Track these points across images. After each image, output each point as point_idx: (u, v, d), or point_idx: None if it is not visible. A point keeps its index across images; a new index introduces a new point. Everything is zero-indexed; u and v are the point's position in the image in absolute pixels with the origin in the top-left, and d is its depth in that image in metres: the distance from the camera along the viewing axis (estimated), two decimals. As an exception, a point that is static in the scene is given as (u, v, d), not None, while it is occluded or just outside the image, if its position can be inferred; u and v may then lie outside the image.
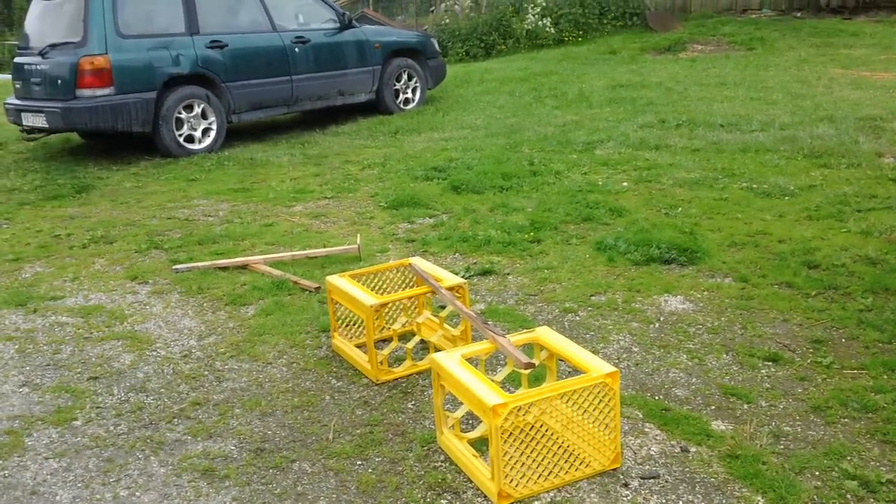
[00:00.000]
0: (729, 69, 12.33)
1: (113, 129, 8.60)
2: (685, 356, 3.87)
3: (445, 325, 3.94)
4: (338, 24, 10.47)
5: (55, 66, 8.57)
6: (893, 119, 8.24)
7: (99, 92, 8.43)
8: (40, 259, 5.79)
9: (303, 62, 9.96)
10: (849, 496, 2.81)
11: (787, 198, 6.11)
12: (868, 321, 4.08)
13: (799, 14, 16.44)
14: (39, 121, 8.71)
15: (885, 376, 3.57)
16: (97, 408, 3.70)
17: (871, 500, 2.79)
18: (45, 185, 8.02)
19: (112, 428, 3.52)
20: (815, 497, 2.81)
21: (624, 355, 3.92)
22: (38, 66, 8.74)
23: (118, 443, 3.40)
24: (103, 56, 8.39)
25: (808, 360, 3.76)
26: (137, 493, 3.06)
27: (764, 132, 8.10)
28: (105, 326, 4.59)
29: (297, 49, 9.89)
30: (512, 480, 2.88)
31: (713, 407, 3.43)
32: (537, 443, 3.01)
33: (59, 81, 8.50)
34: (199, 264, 5.41)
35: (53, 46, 8.70)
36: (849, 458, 3.02)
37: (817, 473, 2.94)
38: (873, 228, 5.34)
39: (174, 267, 5.42)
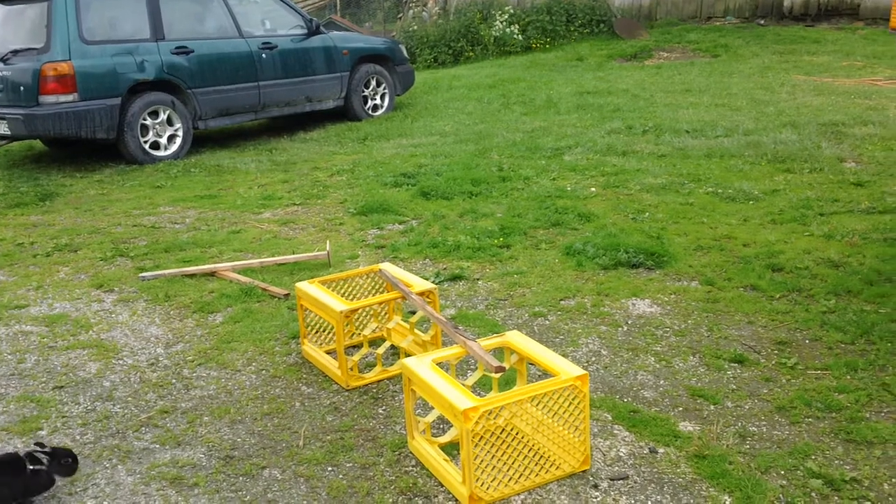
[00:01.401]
0: (694, 76, 12.46)
1: (77, 136, 8.52)
2: (653, 359, 3.91)
3: (416, 331, 3.94)
4: (305, 31, 10.45)
5: (18, 73, 8.46)
6: (855, 124, 8.38)
7: (62, 98, 8.34)
8: (3, 268, 5.72)
9: (270, 68, 9.92)
10: (814, 495, 2.85)
11: (751, 202, 6.19)
12: (831, 323, 4.15)
13: (762, 21, 16.66)
14: (2, 128, 8.60)
15: (849, 376, 3.63)
16: (63, 417, 3.66)
17: (836, 498, 2.83)
18: (8, 192, 7.92)
19: (78, 437, 3.48)
20: (780, 496, 2.84)
21: (593, 358, 3.94)
22: (0, 73, 8.64)
23: (85, 452, 3.36)
24: (67, 62, 8.31)
25: (773, 362, 3.81)
26: (105, 503, 3.03)
27: (728, 138, 8.20)
28: (70, 335, 4.54)
29: (264, 55, 9.86)
30: (483, 484, 2.88)
31: (680, 408, 3.46)
32: (508, 446, 3.02)
33: (22, 88, 8.40)
34: (166, 272, 5.37)
35: (16, 52, 8.59)
36: (813, 457, 3.06)
37: (783, 472, 2.98)
38: (835, 232, 5.42)
39: (140, 275, 5.38)
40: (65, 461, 3.08)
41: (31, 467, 2.96)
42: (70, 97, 8.37)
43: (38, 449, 3.03)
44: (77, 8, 8.49)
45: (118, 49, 8.70)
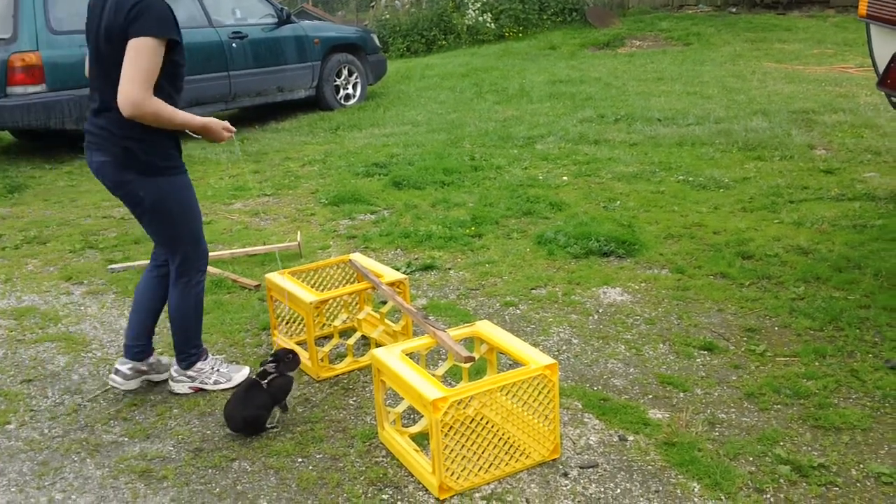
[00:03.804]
0: (666, 64, 12.49)
1: (46, 127, 8.41)
2: (623, 347, 3.92)
3: (386, 321, 3.93)
4: (276, 20, 10.37)
5: (-16, 63, 8.34)
6: (825, 112, 8.43)
7: (30, 89, 8.23)
8: (-29, 260, 5.65)
9: (240, 58, 9.84)
10: (782, 481, 2.87)
11: (721, 190, 6.22)
12: (800, 310, 4.18)
13: (734, 9, 16.73)
14: (-31, 119, 8.48)
15: (817, 363, 3.66)
16: (31, 411, 3.63)
17: (804, 484, 2.85)
18: (-24, 184, 7.82)
19: (47, 431, 3.45)
20: (749, 482, 2.87)
21: (564, 347, 3.95)
22: (-33, 63, 8.51)
23: (53, 446, 3.33)
24: (34, 52, 8.20)
25: (742, 349, 3.84)
26: (73, 496, 3.00)
27: (700, 126, 8.23)
28: (39, 328, 4.49)
29: (234, 44, 9.78)
30: (453, 473, 2.88)
31: (650, 396, 3.48)
32: (478, 436, 3.02)
33: (-11, 79, 8.29)
34: (136, 263, 5.33)
35: (-18, 43, 8.47)
36: (782, 443, 3.09)
37: (751, 459, 3.00)
38: (805, 219, 5.46)
39: (109, 267, 5.33)
40: (287, 358, 3.39)
41: (265, 382, 3.30)
42: (38, 88, 8.26)
43: (265, 365, 3.36)
44: (44, -3, 8.37)
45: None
